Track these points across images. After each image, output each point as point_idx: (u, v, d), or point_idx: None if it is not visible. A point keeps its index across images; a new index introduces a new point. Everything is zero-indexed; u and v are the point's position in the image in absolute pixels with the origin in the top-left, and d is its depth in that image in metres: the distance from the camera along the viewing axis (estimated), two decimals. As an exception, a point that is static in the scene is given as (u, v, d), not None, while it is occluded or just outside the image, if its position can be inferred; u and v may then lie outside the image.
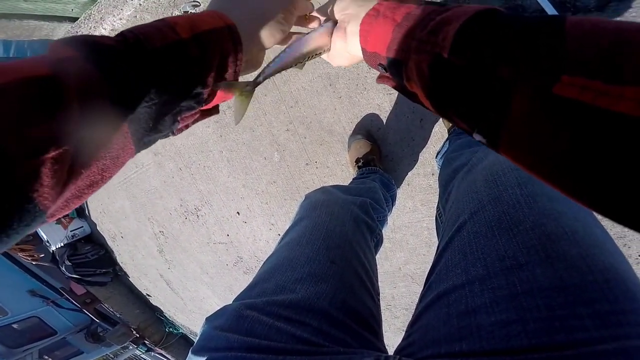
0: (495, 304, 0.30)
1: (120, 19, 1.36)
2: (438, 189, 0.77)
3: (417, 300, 0.43)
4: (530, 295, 0.29)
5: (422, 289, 0.44)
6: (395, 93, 1.13)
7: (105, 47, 0.23)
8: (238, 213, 1.50)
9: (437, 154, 1.10)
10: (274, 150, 1.34)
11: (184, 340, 2.78)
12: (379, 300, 0.54)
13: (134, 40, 0.24)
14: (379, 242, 0.72)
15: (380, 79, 0.35)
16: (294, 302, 0.41)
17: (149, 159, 1.64)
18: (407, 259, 1.37)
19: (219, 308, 0.43)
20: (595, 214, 0.37)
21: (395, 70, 0.29)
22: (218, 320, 0.40)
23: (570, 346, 0.25)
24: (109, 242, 2.31)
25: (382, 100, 1.16)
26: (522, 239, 0.33)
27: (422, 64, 0.25)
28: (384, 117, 1.19)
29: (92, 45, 0.22)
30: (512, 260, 0.32)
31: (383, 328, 0.50)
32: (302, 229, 0.56)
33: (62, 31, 1.51)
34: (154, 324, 2.71)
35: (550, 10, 0.68)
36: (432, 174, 1.19)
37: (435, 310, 0.36)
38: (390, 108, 1.16)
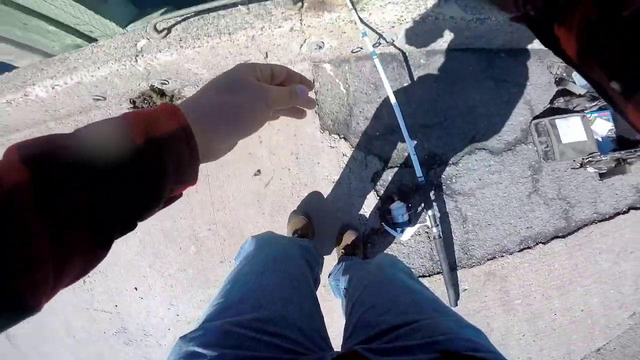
0: None
1: (92, 76, 1.28)
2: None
3: None
4: None
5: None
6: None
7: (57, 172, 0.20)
8: (136, 288, 1.48)
9: (329, 275, 1.29)
10: (191, 244, 1.42)
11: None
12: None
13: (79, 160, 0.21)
14: (316, 279, 0.87)
15: (516, 19, 0.39)
16: (273, 319, 0.49)
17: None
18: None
19: (195, 328, 0.47)
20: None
21: (547, 14, 0.32)
22: (201, 338, 0.44)
23: None
24: None
25: (297, 226, 1.41)
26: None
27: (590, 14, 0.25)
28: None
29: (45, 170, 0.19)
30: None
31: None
32: (262, 260, 0.67)
33: (26, 61, 1.39)
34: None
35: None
36: (323, 286, 1.42)
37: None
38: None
